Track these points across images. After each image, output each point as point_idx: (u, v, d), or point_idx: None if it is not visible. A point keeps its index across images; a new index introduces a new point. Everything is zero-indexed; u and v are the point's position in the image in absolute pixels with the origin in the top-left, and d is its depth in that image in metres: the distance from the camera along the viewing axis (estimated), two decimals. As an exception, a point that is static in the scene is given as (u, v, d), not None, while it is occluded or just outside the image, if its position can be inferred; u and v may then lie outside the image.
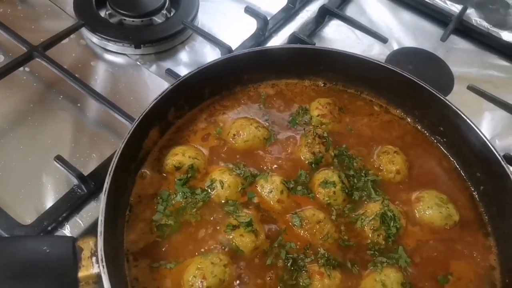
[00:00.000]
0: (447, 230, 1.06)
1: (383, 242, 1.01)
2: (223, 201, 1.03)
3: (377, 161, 1.16)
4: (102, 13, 1.59)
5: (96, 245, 0.82)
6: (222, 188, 1.03)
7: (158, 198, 1.02)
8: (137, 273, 0.92)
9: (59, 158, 1.12)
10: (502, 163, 1.04)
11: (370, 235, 1.02)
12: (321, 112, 1.22)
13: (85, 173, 1.15)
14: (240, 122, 1.17)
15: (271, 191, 1.05)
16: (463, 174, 1.18)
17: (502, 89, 1.54)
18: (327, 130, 1.18)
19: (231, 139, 1.15)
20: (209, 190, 1.04)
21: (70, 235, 1.09)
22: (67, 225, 1.11)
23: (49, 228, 1.08)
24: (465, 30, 1.70)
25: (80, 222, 1.12)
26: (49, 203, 1.14)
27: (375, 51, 1.64)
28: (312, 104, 1.25)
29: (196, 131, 1.17)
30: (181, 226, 0.99)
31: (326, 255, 0.96)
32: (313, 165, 1.12)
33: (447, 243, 1.04)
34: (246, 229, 0.96)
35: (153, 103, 1.04)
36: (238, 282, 0.92)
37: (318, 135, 1.14)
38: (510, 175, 1.02)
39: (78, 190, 1.14)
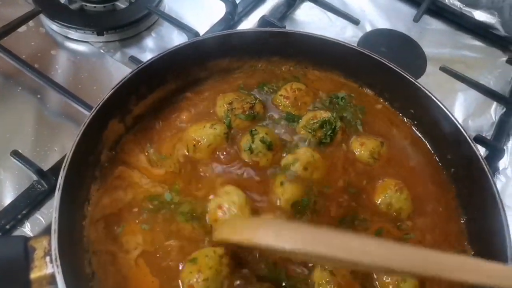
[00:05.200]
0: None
1: None
2: None
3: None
4: (62, -1, 1.52)
5: (50, 243, 0.78)
6: None
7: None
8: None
9: (15, 153, 1.07)
10: (471, 144, 1.03)
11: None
12: (286, 94, 1.17)
13: (47, 167, 1.10)
14: (194, 129, 1.07)
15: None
16: (435, 156, 1.16)
17: (475, 69, 1.54)
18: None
19: (191, 153, 1.04)
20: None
21: (30, 233, 1.05)
22: (27, 223, 1.06)
23: (7, 226, 1.04)
24: (438, 10, 1.70)
25: (41, 219, 1.08)
26: (7, 200, 1.09)
27: (348, 34, 1.61)
28: (286, 85, 1.20)
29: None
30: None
31: None
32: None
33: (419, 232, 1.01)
34: None
35: (111, 91, 0.99)
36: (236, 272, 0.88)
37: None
38: (479, 156, 1.01)
39: (38, 185, 1.09)
